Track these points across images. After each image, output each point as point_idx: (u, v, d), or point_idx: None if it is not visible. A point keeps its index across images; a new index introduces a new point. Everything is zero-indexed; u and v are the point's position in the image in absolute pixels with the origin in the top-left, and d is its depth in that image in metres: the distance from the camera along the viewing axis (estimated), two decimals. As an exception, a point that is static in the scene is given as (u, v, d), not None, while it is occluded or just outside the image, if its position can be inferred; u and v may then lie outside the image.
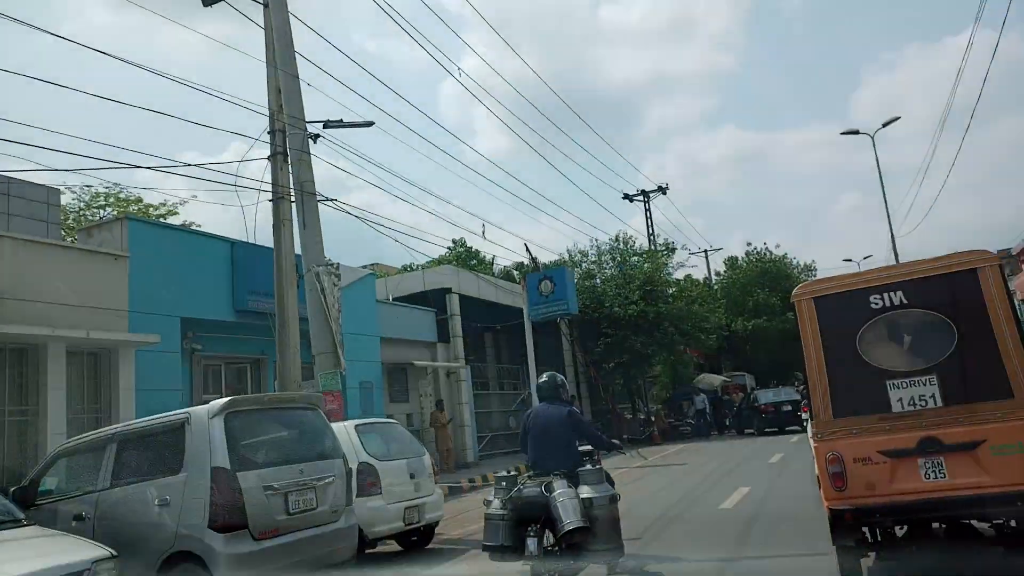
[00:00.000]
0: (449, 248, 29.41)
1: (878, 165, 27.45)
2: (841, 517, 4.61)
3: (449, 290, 19.62)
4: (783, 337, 39.16)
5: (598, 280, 28.94)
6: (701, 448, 20.89)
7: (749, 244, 52.46)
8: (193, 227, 12.38)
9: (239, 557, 4.96)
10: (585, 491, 5.30)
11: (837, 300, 5.05)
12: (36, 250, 9.78)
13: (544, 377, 6.47)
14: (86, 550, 4.48)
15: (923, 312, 4.78)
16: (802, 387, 20.64)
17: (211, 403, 5.36)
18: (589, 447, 6.25)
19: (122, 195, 23.31)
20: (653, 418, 27.41)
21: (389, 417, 17.13)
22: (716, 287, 47.50)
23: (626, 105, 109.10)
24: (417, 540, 7.93)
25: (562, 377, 6.43)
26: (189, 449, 5.23)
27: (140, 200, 23.92)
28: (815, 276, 49.12)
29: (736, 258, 49.06)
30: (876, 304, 4.86)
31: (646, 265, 28.31)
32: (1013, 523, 4.49)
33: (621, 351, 26.30)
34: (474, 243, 31.25)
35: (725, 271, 49.07)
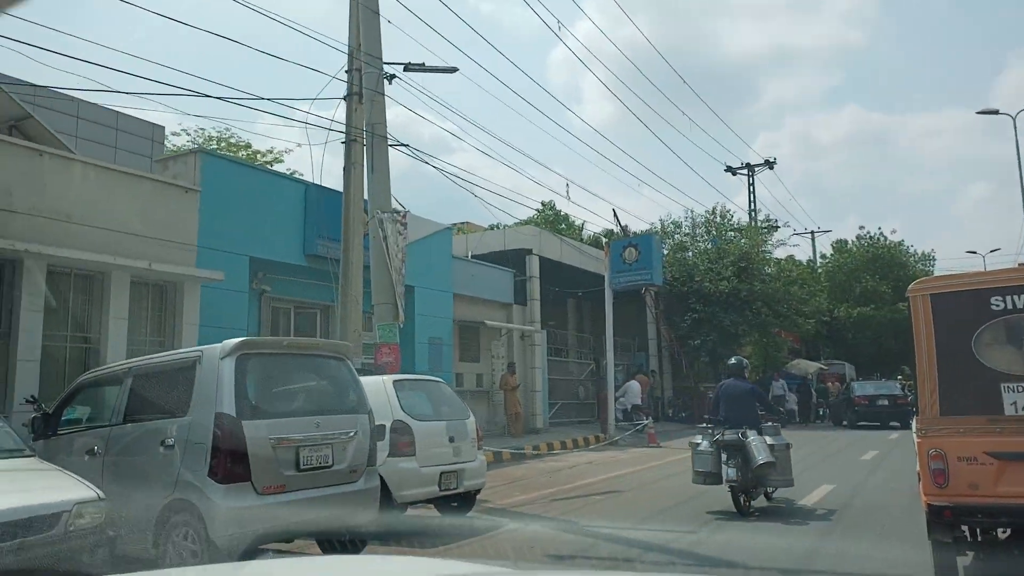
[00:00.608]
0: (538, 211, 28.66)
1: (1017, 149, 24.50)
2: (940, 513, 4.56)
3: (530, 251, 18.96)
4: (891, 328, 36.50)
5: (690, 253, 27.57)
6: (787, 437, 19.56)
7: (861, 227, 49.08)
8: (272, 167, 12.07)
9: (238, 511, 4.56)
10: (768, 439, 7.76)
11: (956, 298, 4.97)
12: (108, 176, 9.76)
13: (733, 360, 9.11)
14: (71, 489, 4.17)
15: None
16: (908, 382, 18.90)
17: (224, 342, 4.94)
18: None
19: (233, 139, 23.56)
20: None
21: (458, 376, 16.86)
22: (820, 270, 44.82)
23: (742, 80, 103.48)
24: (457, 506, 7.43)
25: (747, 361, 8.85)
26: (197, 391, 4.86)
27: (249, 146, 24.63)
28: (934, 265, 45.57)
29: (845, 241, 45.99)
30: (997, 306, 4.75)
31: (743, 241, 26.68)
32: None
33: (709, 328, 25.01)
34: (563, 207, 30.35)
35: (832, 254, 46.16)
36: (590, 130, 73.19)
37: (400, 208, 10.77)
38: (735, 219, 27.97)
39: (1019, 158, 24.75)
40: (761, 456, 7.44)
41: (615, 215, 19.30)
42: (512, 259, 19.07)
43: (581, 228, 32.10)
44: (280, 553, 5.13)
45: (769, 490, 8.29)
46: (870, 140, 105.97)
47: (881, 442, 16.66)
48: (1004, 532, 4.78)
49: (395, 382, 6.84)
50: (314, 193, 12.58)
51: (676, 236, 28.23)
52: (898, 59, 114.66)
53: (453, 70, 12.52)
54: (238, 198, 11.43)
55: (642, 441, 16.94)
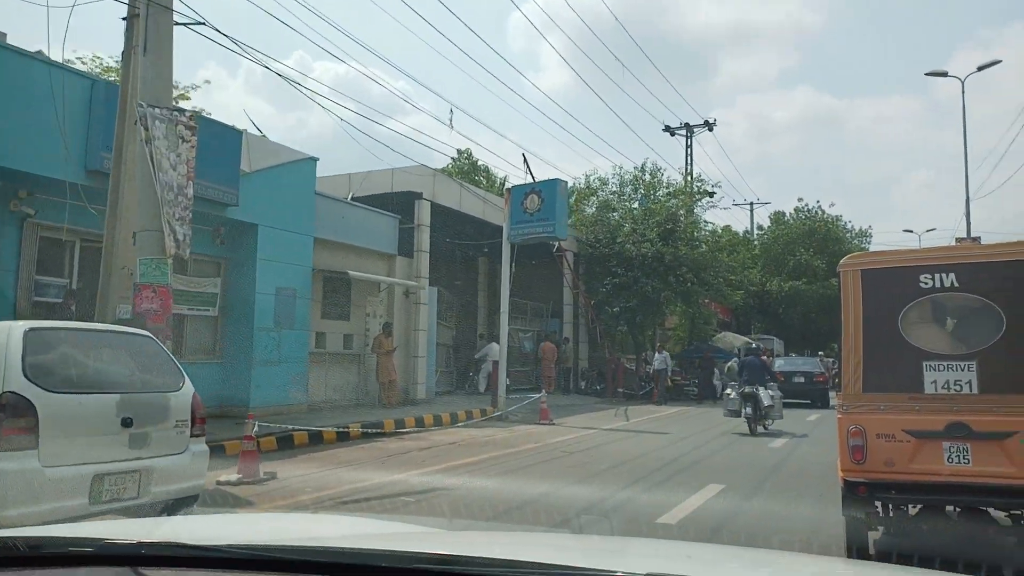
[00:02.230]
0: (453, 159, 26.03)
1: (964, 114, 23.07)
2: (855, 489, 4.60)
3: (420, 195, 16.37)
4: (822, 303, 35.34)
5: (616, 214, 25.40)
6: (701, 415, 17.68)
7: (800, 199, 47.83)
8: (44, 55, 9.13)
9: None
10: (772, 392, 13.16)
11: (885, 275, 4.95)
12: None
13: (753, 345, 16.58)
14: None
15: (973, 297, 4.63)
16: (831, 360, 17.23)
17: None
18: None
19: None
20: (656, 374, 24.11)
21: (319, 335, 14.28)
22: (756, 242, 43.48)
23: (699, 55, 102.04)
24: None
25: (762, 346, 17.87)
26: None
27: None
28: (870, 242, 44.71)
29: (783, 213, 44.67)
30: (926, 284, 4.71)
31: (672, 201, 24.60)
32: None
33: (629, 295, 22.96)
34: (483, 157, 27.65)
35: (770, 226, 44.86)
36: (544, 98, 70.07)
37: (183, 108, 8.05)
38: (667, 179, 25.77)
39: (964, 124, 23.27)
40: (766, 402, 12.89)
41: (524, 160, 16.84)
42: (401, 204, 16.48)
43: (503, 183, 29.65)
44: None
45: (768, 422, 13.16)
46: (822, 123, 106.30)
47: (796, 424, 14.84)
48: (914, 508, 4.82)
49: (29, 332, 4.27)
50: (102, 91, 9.73)
51: (601, 194, 26.02)
52: (852, 45, 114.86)
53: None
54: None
55: (535, 416, 14.78)
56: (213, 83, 68.27)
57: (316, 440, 10.63)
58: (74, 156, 9.54)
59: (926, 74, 24.30)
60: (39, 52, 9.46)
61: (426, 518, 5.54)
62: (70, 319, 8.64)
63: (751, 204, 48.71)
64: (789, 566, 1.79)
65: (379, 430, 11.94)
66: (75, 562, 1.44)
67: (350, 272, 13.59)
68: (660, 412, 18.19)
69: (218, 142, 11.22)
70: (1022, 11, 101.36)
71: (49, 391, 4.18)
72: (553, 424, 14.44)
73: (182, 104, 23.25)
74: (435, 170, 16.88)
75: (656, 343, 22.58)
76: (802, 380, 19.61)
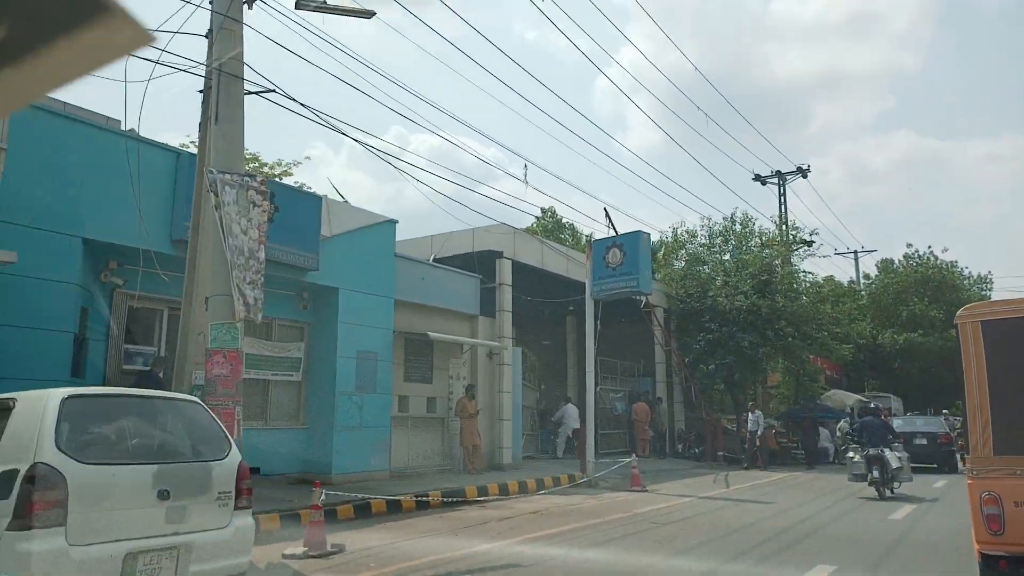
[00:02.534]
0: (537, 217, 25.93)
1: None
2: (995, 564, 4.17)
3: (500, 254, 16.17)
4: (942, 356, 32.55)
5: (707, 267, 24.43)
6: (810, 481, 16.21)
7: (909, 245, 45.00)
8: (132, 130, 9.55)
9: None
10: (899, 453, 12.70)
11: (1009, 326, 4.58)
12: None
13: (872, 405, 15.73)
14: None
15: None
16: (957, 419, 15.54)
17: None
18: None
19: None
20: (760, 436, 22.53)
21: (402, 399, 14.06)
22: (863, 292, 40.94)
23: (791, 105, 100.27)
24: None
25: (880, 406, 16.09)
26: None
27: (256, 159, 23.19)
28: (991, 289, 41.30)
29: (892, 261, 42.07)
30: None
31: (766, 251, 23.44)
32: None
33: (724, 351, 21.79)
34: (567, 215, 27.42)
35: (877, 275, 42.20)
36: (634, 157, 70.01)
37: (253, 174, 8.14)
38: (759, 228, 24.65)
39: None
40: (895, 464, 12.31)
41: (606, 214, 16.40)
42: (482, 265, 16.32)
43: (590, 238, 29.25)
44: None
45: (896, 485, 12.60)
46: (925, 165, 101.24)
47: (921, 490, 13.28)
48: None
49: (67, 399, 4.11)
50: (187, 163, 10.07)
51: (690, 247, 25.16)
52: (954, 84, 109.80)
53: (369, 14, 9.94)
54: (68, 162, 8.96)
55: (627, 482, 13.89)
56: (318, 159, 72.08)
57: (394, 508, 10.24)
58: (160, 227, 9.86)
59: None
60: (131, 130, 9.91)
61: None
62: (157, 387, 8.71)
63: (855, 252, 46.29)
64: None
65: (460, 498, 11.42)
66: None
67: (430, 333, 13.39)
68: (764, 478, 16.81)
69: (297, 208, 11.40)
70: None
71: (82, 463, 3.96)
72: (645, 491, 13.51)
73: (286, 180, 25.08)
74: (515, 229, 16.67)
75: (750, 402, 21.11)
76: (924, 442, 17.78)
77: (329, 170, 71.06)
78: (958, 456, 14.26)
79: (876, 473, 12.26)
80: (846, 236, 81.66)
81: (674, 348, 21.85)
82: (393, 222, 13.82)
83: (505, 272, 16.24)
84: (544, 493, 12.75)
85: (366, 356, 12.78)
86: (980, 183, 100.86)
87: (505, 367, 15.86)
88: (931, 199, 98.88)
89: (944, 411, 19.28)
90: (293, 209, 11.38)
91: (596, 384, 22.25)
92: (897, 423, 21.34)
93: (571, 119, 76.48)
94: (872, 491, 12.30)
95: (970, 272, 40.56)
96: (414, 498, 10.60)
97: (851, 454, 13.25)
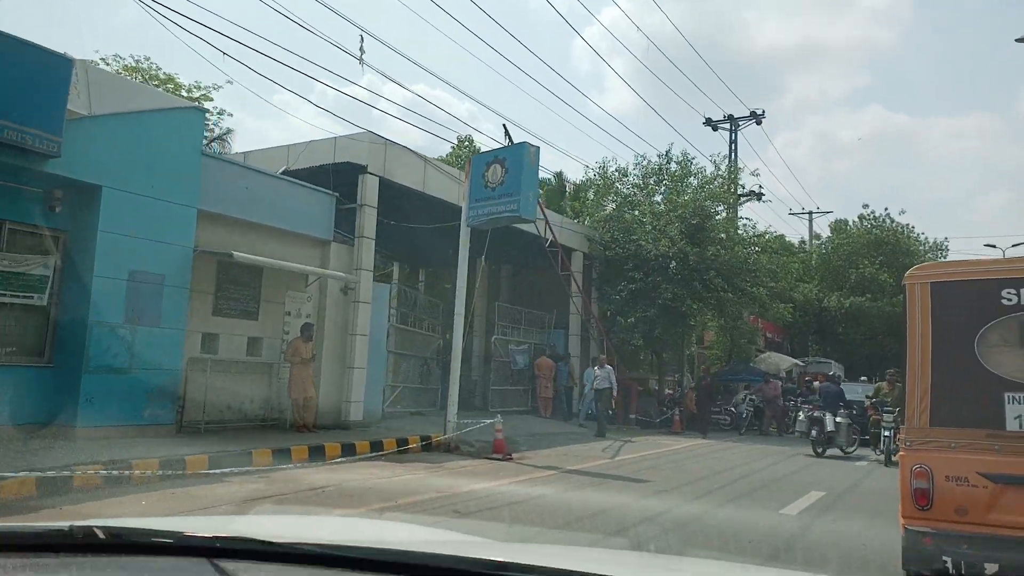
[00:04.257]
0: (454, 145, 22.90)
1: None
2: (919, 540, 4.01)
3: (364, 168, 13.23)
4: (889, 323, 30.60)
5: (638, 212, 21.73)
6: (717, 451, 13.88)
7: (866, 207, 43.02)
8: None
9: None
10: (837, 419, 13.55)
11: (960, 289, 4.30)
12: None
13: (831, 372, 19.99)
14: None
15: None
16: (883, 388, 13.26)
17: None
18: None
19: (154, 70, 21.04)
20: (680, 398, 20.24)
21: (208, 337, 11.24)
22: (813, 252, 38.90)
23: (766, 75, 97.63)
24: None
25: (840, 375, 19.63)
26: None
27: (172, 80, 21.08)
28: (945, 257, 39.42)
29: (846, 221, 39.92)
30: (1009, 300, 4.04)
31: (703, 191, 20.80)
32: None
33: (647, 303, 19.28)
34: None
35: (830, 236, 40.15)
36: (610, 119, 67.06)
37: None
38: (699, 169, 21.92)
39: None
40: (830, 426, 13.54)
41: (505, 131, 13.56)
42: (343, 180, 13.37)
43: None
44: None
45: (850, 450, 13.83)
46: (893, 141, 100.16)
47: (839, 470, 10.98)
48: (992, 567, 3.99)
49: None
50: None
51: (621, 187, 22.41)
52: (927, 62, 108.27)
53: None
54: None
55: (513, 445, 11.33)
56: (285, 104, 67.43)
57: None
58: None
59: (1017, 40, 19.69)
60: None
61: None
62: None
63: (810, 213, 44.16)
64: None
65: (243, 467, 8.71)
66: (153, 552, 1.51)
67: (236, 254, 10.44)
68: (666, 446, 14.43)
69: (27, 67, 8.35)
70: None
71: None
72: (509, 459, 11.00)
73: (206, 105, 22.13)
74: (387, 140, 13.68)
75: (602, 355, 18.22)
76: (855, 411, 15.58)
77: (296, 120, 66.66)
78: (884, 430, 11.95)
79: (815, 433, 13.61)
80: (795, 188, 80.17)
81: (586, 296, 19.22)
82: (200, 111, 10.84)
83: (370, 191, 13.31)
84: (368, 459, 10.12)
85: (145, 278, 9.85)
86: (945, 160, 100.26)
87: (361, 305, 13.04)
88: (897, 175, 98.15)
89: (863, 378, 17.15)
90: (19, 68, 8.33)
91: (493, 334, 19.70)
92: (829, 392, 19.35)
93: (548, 78, 73.10)
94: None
95: (926, 238, 38.74)
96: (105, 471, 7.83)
97: (801, 415, 14.69)
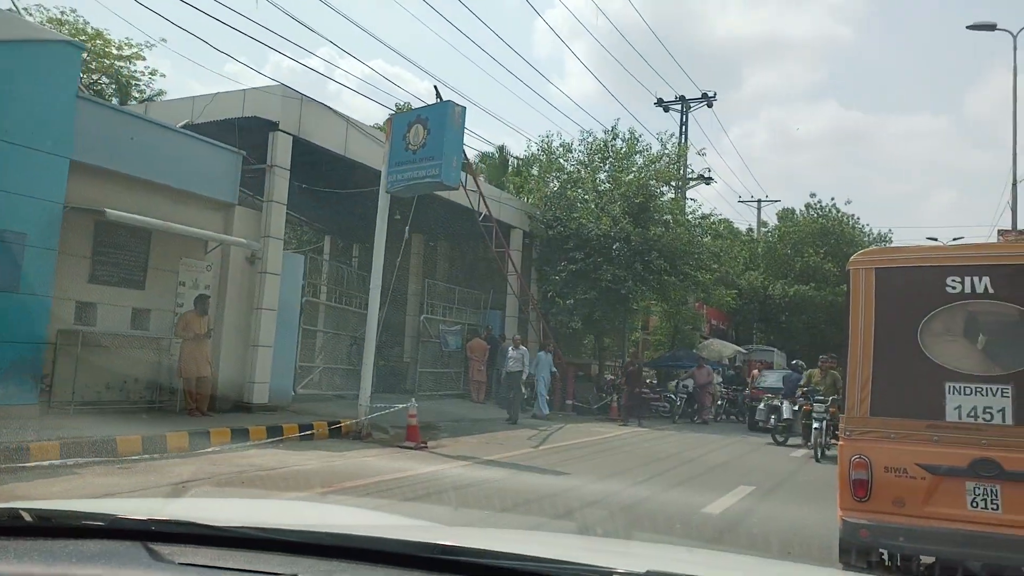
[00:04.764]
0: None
1: (1015, 73, 18.50)
2: (856, 532, 3.93)
3: (275, 125, 12.00)
4: (831, 312, 30.56)
5: (581, 191, 20.85)
6: (649, 440, 13.17)
7: (813, 195, 43.11)
8: None
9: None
10: (795, 408, 12.83)
11: (905, 276, 4.18)
12: None
13: (794, 362, 16.33)
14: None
15: (1012, 307, 3.87)
16: (819, 374, 12.63)
17: None
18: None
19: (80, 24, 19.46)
20: (619, 383, 19.54)
21: (83, 307, 9.95)
22: (759, 241, 38.86)
23: (725, 65, 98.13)
24: None
25: (803, 364, 15.63)
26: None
27: (100, 35, 19.76)
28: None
29: (793, 210, 39.99)
30: (953, 288, 3.96)
31: (649, 170, 20.01)
32: None
33: (587, 285, 18.49)
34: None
35: (777, 225, 40.16)
36: (572, 104, 65.63)
37: None
38: (645, 146, 21.10)
39: (1014, 83, 18.63)
40: (787, 414, 13.16)
41: (437, 93, 12.42)
42: (252, 138, 12.13)
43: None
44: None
45: (808, 444, 11.73)
46: (847, 138, 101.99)
47: (773, 460, 10.34)
48: (927, 560, 4.06)
49: None
50: None
51: (566, 163, 21.49)
52: (882, 59, 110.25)
53: None
54: None
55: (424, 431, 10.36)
56: (236, 74, 64.44)
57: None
58: None
59: (968, 27, 19.41)
60: None
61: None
62: None
63: (759, 201, 44.22)
64: (793, 572, 2.05)
65: (103, 458, 7.56)
66: (85, 535, 1.45)
67: (108, 211, 9.16)
68: (599, 434, 13.67)
69: None
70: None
71: None
72: (424, 447, 10.05)
73: (138, 64, 20.77)
74: (303, 96, 12.46)
75: (515, 336, 17.30)
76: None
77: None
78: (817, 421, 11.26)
79: (772, 420, 13.57)
80: (745, 177, 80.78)
81: (523, 276, 18.31)
82: (77, 46, 9.48)
83: (281, 150, 12.09)
84: (260, 446, 9.05)
85: (2, 237, 8.54)
86: (895, 158, 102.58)
87: (268, 276, 11.86)
88: (850, 171, 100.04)
89: (795, 360, 16.70)
90: None
91: (423, 312, 18.69)
92: (773, 378, 18.90)
93: (511, 59, 71.62)
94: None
95: (871, 229, 39.05)
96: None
97: (762, 405, 14.92)
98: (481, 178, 23.35)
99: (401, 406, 10.64)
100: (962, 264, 4.04)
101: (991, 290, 3.93)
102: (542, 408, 16.41)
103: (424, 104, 11.50)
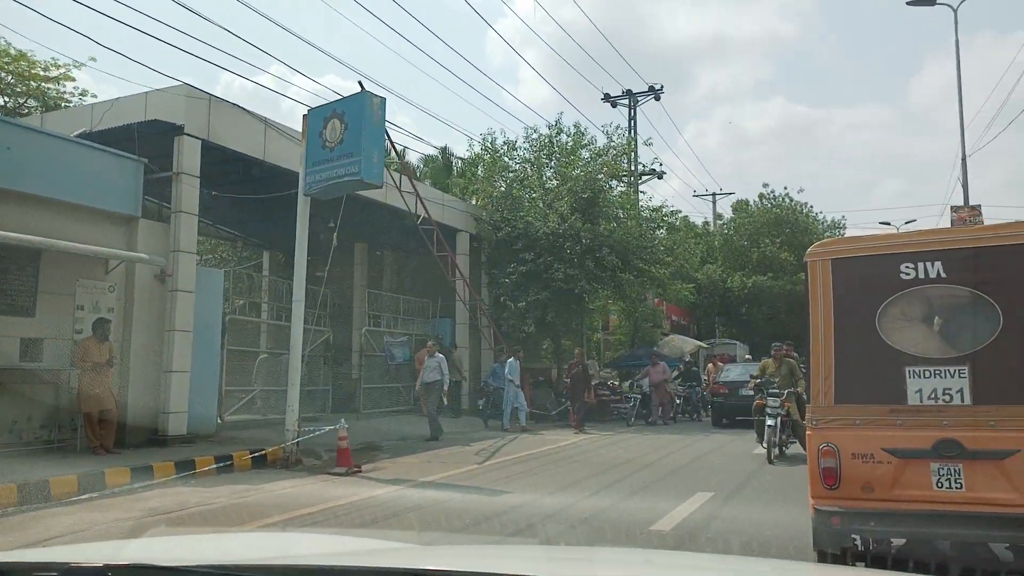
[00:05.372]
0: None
1: (957, 48, 18.36)
2: (828, 520, 4.01)
3: (180, 129, 10.98)
4: (791, 302, 30.30)
5: (531, 190, 20.08)
6: (605, 446, 12.39)
7: (766, 186, 42.95)
8: None
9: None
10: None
11: (860, 265, 4.27)
12: None
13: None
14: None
15: (964, 290, 3.96)
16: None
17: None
18: None
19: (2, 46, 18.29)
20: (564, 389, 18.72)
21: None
22: (715, 233, 38.64)
23: (676, 66, 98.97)
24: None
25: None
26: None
27: (24, 57, 18.50)
28: (843, 235, 40.07)
29: (747, 201, 39.84)
30: (907, 274, 4.06)
31: (597, 162, 19.32)
32: None
33: (539, 286, 17.72)
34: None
35: (732, 216, 39.97)
36: (527, 110, 64.74)
37: None
38: (591, 139, 20.42)
39: (957, 57, 18.45)
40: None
41: (361, 87, 11.48)
42: (156, 144, 11.09)
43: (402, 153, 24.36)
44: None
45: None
46: (796, 132, 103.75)
47: (737, 463, 9.62)
48: (898, 541, 4.26)
49: None
50: None
51: (511, 162, 20.72)
52: (826, 54, 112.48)
53: None
54: None
55: (361, 455, 9.41)
56: None
57: None
58: None
59: (908, 3, 19.15)
60: None
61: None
62: None
63: (713, 195, 44.10)
64: (751, 568, 1.95)
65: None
66: None
67: (25, 236, 8.05)
68: (555, 443, 12.86)
69: None
70: (989, 22, 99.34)
71: None
72: (357, 472, 9.14)
73: (68, 86, 19.62)
74: (211, 96, 11.45)
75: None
76: (751, 393, 14.51)
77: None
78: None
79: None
80: (700, 172, 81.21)
81: (467, 280, 17.44)
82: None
83: (188, 156, 11.06)
84: (163, 485, 8.02)
85: None
86: (844, 151, 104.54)
87: (180, 294, 10.81)
88: (801, 165, 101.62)
89: (747, 356, 16.06)
90: None
91: (365, 324, 17.75)
92: (737, 371, 18.32)
93: (464, 69, 70.85)
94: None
95: (824, 216, 39.12)
96: None
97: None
98: (427, 183, 22.56)
99: (329, 428, 9.68)
100: (915, 251, 4.11)
101: (944, 274, 4.01)
102: (509, 421, 15.39)
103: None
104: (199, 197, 11.36)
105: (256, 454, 9.65)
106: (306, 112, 10.72)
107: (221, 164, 12.24)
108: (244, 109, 12.19)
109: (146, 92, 11.39)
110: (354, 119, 9.93)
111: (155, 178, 10.99)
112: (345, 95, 10.63)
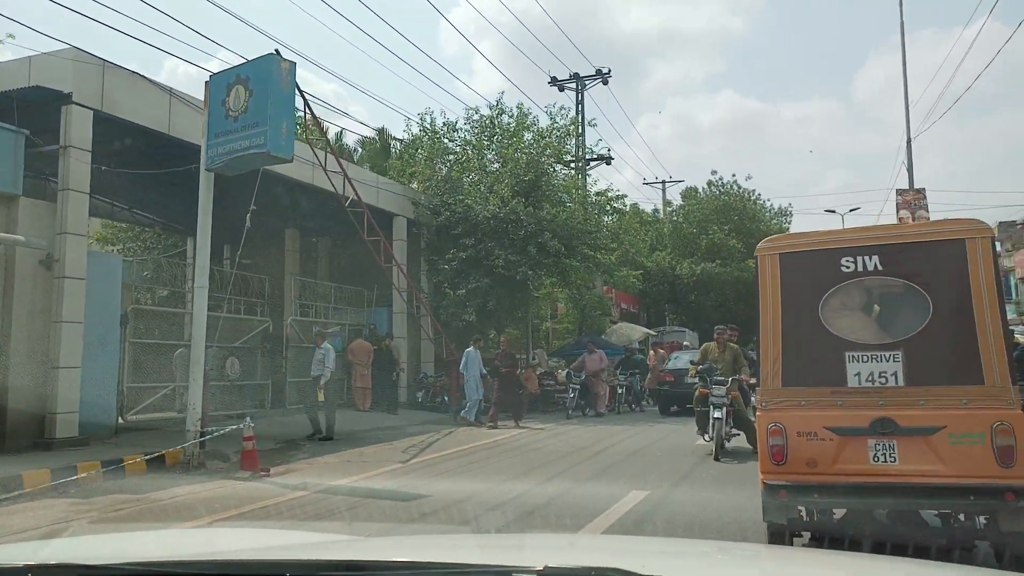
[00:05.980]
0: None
1: (902, 30, 18.15)
2: (776, 493, 4.30)
3: (68, 97, 9.84)
4: (739, 289, 30.11)
5: (470, 176, 19.22)
6: (542, 441, 11.70)
7: (714, 173, 42.93)
8: None
9: None
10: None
11: (805, 259, 4.64)
12: None
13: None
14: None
15: (898, 281, 4.32)
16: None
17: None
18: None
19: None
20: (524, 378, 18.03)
21: None
22: (664, 220, 38.41)
23: (630, 59, 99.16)
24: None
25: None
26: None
27: None
28: (790, 222, 40.13)
29: (696, 189, 39.72)
30: (847, 267, 4.41)
31: (540, 144, 18.58)
32: (962, 516, 4.29)
33: (480, 273, 16.93)
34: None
35: (681, 204, 39.77)
36: (481, 100, 63.62)
37: None
38: (534, 120, 19.65)
39: (903, 40, 18.24)
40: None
41: (276, 53, 10.45)
42: (41, 115, 9.92)
43: (339, 137, 23.27)
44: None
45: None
46: (745, 126, 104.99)
47: (672, 461, 9.01)
48: (840, 512, 4.52)
49: None
50: None
51: (451, 144, 19.84)
52: (774, 49, 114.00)
53: None
54: None
55: (267, 456, 8.50)
56: None
57: None
58: None
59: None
60: None
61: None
62: None
63: (663, 182, 43.89)
64: (687, 548, 2.03)
65: None
66: None
67: None
68: (490, 438, 12.11)
69: None
70: (932, 19, 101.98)
71: None
72: (265, 475, 8.24)
73: None
74: (105, 61, 10.30)
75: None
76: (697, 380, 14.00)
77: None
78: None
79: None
80: (651, 162, 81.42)
81: (402, 267, 16.53)
82: None
83: (77, 127, 9.92)
84: (31, 496, 7.01)
85: None
86: (791, 143, 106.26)
87: (68, 281, 9.70)
88: (747, 157, 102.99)
89: (685, 343, 15.60)
90: None
91: (293, 314, 16.74)
92: (686, 359, 17.86)
93: (419, 59, 69.29)
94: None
95: (771, 204, 39.27)
96: None
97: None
98: (365, 166, 21.54)
99: (233, 427, 8.74)
100: (854, 245, 4.43)
101: (880, 267, 4.33)
102: (470, 414, 14.52)
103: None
104: (91, 173, 10.21)
105: (150, 456, 8.65)
106: (208, 78, 9.67)
107: (120, 138, 11.10)
108: (145, 77, 11.05)
109: (29, 56, 10.19)
110: (260, 85, 8.97)
111: (40, 151, 9.84)
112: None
